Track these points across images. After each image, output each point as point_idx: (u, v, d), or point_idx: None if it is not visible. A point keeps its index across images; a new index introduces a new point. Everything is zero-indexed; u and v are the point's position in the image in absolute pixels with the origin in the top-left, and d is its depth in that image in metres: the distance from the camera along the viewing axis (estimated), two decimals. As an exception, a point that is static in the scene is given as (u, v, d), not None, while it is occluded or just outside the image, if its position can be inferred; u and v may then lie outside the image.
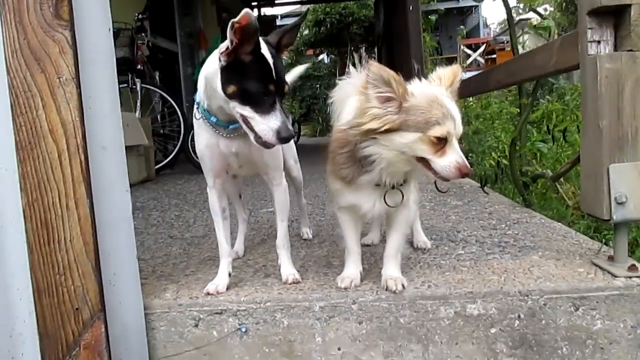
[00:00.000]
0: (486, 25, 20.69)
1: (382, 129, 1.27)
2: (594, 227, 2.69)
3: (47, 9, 1.28)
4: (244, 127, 1.38)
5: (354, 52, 14.74)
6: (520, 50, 3.02)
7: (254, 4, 11.29)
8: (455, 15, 18.17)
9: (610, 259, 1.56)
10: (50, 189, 1.31)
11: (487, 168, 3.49)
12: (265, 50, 1.35)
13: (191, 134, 4.42)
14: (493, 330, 1.41)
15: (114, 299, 1.39)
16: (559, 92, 5.96)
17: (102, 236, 1.37)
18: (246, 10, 1.23)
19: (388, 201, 1.44)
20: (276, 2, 12.05)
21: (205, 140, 1.54)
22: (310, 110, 14.44)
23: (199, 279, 1.63)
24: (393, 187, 1.43)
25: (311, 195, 3.21)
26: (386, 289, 1.44)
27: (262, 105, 1.34)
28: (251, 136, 1.38)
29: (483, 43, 15.26)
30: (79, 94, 1.31)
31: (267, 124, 1.34)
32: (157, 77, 5.35)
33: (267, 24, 10.45)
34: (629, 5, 1.44)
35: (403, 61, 6.14)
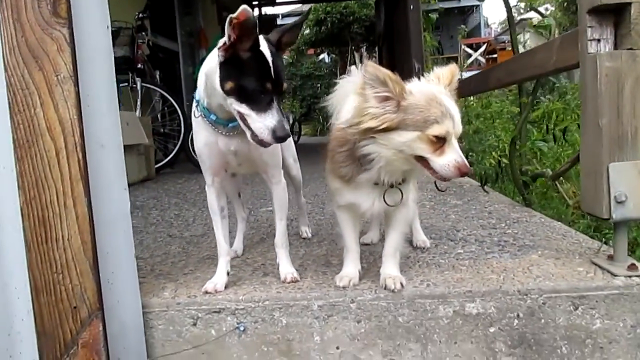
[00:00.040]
0: (487, 25, 20.68)
1: (381, 127, 1.26)
2: (594, 227, 2.69)
3: (45, 7, 1.27)
4: (241, 124, 1.38)
5: (355, 51, 14.76)
6: (521, 50, 3.01)
7: (255, 3, 11.28)
8: (456, 14, 18.15)
9: (610, 258, 1.56)
10: (48, 187, 1.30)
11: (488, 167, 3.48)
12: (264, 47, 1.35)
13: (191, 133, 4.42)
14: (492, 330, 1.41)
15: (112, 298, 1.39)
16: (560, 92, 5.95)
17: (100, 235, 1.36)
18: (244, 6, 1.23)
19: (387, 200, 1.44)
20: (277, 1, 12.04)
21: (204, 138, 1.54)
22: (310, 110, 14.44)
23: (198, 278, 1.63)
24: (392, 186, 1.43)
25: (311, 194, 3.21)
26: (385, 288, 1.44)
27: (259, 103, 1.33)
28: (248, 134, 1.37)
29: (484, 43, 15.22)
30: (77, 92, 1.30)
31: (264, 122, 1.33)
32: (157, 76, 5.35)
33: (267, 23, 10.45)
34: (629, 4, 1.43)
35: (404, 60, 6.14)
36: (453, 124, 1.27)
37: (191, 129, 1.63)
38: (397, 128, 1.26)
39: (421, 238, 1.90)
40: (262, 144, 1.36)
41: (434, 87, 1.33)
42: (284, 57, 1.57)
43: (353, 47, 14.73)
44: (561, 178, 2.62)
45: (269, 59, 1.34)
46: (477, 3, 18.52)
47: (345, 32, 14.80)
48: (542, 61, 2.01)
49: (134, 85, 4.76)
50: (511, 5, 2.89)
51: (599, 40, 1.50)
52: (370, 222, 1.99)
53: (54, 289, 1.33)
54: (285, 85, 1.38)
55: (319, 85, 15.26)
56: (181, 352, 1.44)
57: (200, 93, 1.50)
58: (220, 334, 1.44)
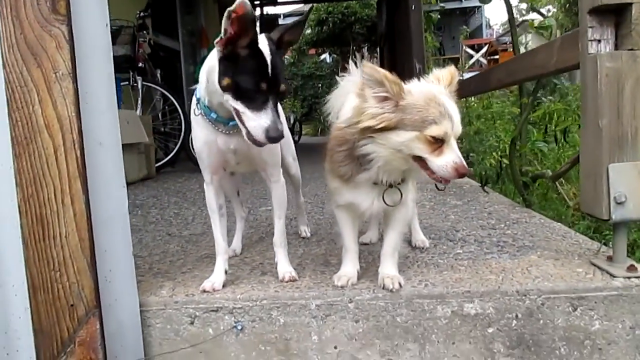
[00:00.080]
0: (489, 26, 20.64)
1: (379, 127, 1.26)
2: (594, 228, 2.68)
3: (44, 4, 1.27)
4: (238, 122, 1.37)
5: (356, 51, 14.74)
6: (523, 51, 3.00)
7: (257, 2, 11.29)
8: (458, 15, 18.13)
9: (609, 259, 1.55)
10: (45, 184, 1.30)
11: (489, 168, 3.48)
12: (264, 45, 1.34)
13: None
14: (490, 330, 1.40)
15: (109, 296, 1.39)
16: (561, 93, 5.93)
17: (98, 232, 1.36)
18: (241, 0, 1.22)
19: (386, 200, 1.44)
20: (278, 1, 12.04)
21: (203, 136, 1.53)
22: (311, 110, 14.44)
23: (196, 277, 1.63)
24: (391, 186, 1.43)
25: (311, 194, 3.21)
26: (383, 288, 1.44)
27: (254, 102, 1.32)
28: (243, 132, 1.36)
29: (486, 44, 15.21)
30: (76, 89, 1.30)
31: (258, 121, 1.32)
32: (158, 75, 5.35)
33: (269, 23, 10.45)
34: (630, 4, 1.43)
35: (405, 60, 6.13)
36: (452, 125, 1.26)
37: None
38: (396, 128, 1.26)
39: (420, 238, 1.90)
40: (256, 143, 1.35)
41: (434, 88, 1.33)
42: (286, 56, 1.55)
43: (354, 47, 14.71)
44: (562, 179, 2.62)
45: (268, 57, 1.33)
46: (479, 4, 18.51)
47: (346, 32, 14.80)
48: (543, 61, 2.00)
49: (135, 84, 4.76)
50: (512, 6, 2.88)
51: (599, 41, 1.50)
52: (369, 221, 1.98)
53: (51, 287, 1.32)
54: (283, 85, 1.36)
55: (320, 85, 15.26)
56: (178, 351, 1.44)
57: (201, 91, 1.49)
58: (218, 333, 1.43)
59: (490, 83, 3.05)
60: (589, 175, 1.55)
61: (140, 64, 4.83)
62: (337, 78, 1.76)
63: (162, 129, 5.28)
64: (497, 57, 12.94)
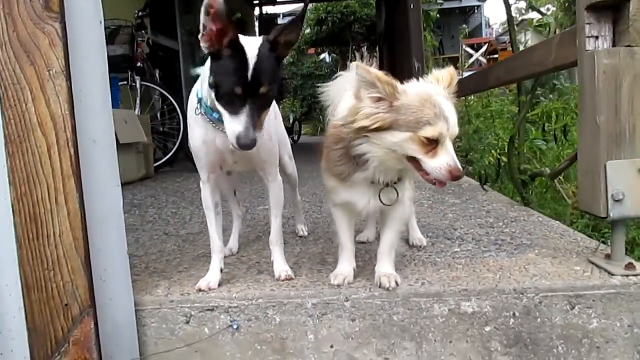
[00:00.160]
0: (488, 25, 20.61)
1: (373, 127, 1.26)
2: (592, 226, 2.68)
3: (36, 1, 1.26)
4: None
5: (356, 51, 14.74)
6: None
7: (256, 2, 11.28)
8: (457, 14, 18.12)
9: (608, 257, 1.54)
10: (39, 182, 1.29)
11: (488, 166, 3.47)
12: (252, 47, 1.29)
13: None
14: (487, 329, 1.39)
15: (104, 295, 1.38)
16: (560, 92, 5.93)
17: (92, 231, 1.35)
18: None
19: (383, 199, 1.43)
20: (278, 0, 12.03)
21: (202, 135, 1.51)
22: (311, 109, 14.42)
23: (192, 276, 1.62)
24: (387, 185, 1.42)
25: (309, 193, 3.20)
26: (379, 286, 1.43)
27: (231, 105, 1.29)
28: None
29: (485, 43, 15.20)
30: (69, 87, 1.29)
31: (231, 126, 1.29)
32: (157, 75, 5.34)
33: (268, 22, 10.45)
34: (628, 0, 1.42)
35: (404, 60, 6.13)
36: (447, 126, 1.25)
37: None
38: (390, 128, 1.25)
39: (417, 236, 1.89)
40: (235, 146, 1.30)
41: (431, 88, 1.32)
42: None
43: (354, 47, 14.71)
44: (561, 178, 2.60)
45: (251, 59, 1.28)
46: (479, 3, 18.50)
47: (346, 32, 14.78)
48: (541, 59, 2.00)
49: (133, 84, 4.75)
50: (511, 5, 2.88)
51: (597, 37, 1.49)
52: (367, 220, 1.97)
53: (45, 286, 1.31)
54: (264, 88, 1.29)
55: (319, 84, 15.18)
56: (174, 350, 1.43)
57: (203, 92, 1.47)
58: (214, 332, 1.42)
59: (488, 81, 3.04)
60: (587, 173, 1.54)
61: (138, 64, 4.82)
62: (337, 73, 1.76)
63: (161, 129, 5.26)
64: (496, 56, 12.93)
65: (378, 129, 1.26)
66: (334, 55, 16.57)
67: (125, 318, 1.41)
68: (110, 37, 4.56)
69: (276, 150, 1.65)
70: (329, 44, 15.92)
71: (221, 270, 1.55)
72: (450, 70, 1.40)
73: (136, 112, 4.67)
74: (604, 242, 1.75)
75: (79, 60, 1.32)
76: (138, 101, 4.76)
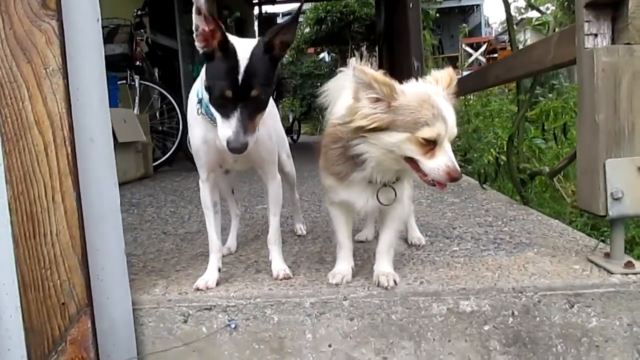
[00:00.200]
0: (488, 25, 20.61)
1: (371, 127, 1.25)
2: (591, 225, 2.67)
3: (33, -2, 1.26)
4: None
5: (355, 50, 14.74)
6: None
7: (255, 1, 11.27)
8: (457, 14, 18.12)
9: (607, 255, 1.54)
10: (36, 181, 1.29)
11: (487, 165, 3.46)
12: (245, 49, 1.28)
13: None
14: (486, 327, 1.39)
15: (101, 294, 1.37)
16: (559, 91, 5.92)
17: (89, 230, 1.35)
18: None
19: (381, 199, 1.42)
20: (277, 0, 12.03)
21: (202, 135, 1.50)
22: (310, 109, 14.41)
23: (190, 275, 1.61)
24: (385, 185, 1.41)
25: (308, 192, 3.19)
26: (378, 285, 1.42)
27: (222, 107, 1.28)
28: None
29: (484, 42, 15.19)
30: (66, 85, 1.29)
31: (222, 129, 1.28)
32: (156, 74, 5.33)
33: (267, 21, 10.44)
34: (627, -2, 1.42)
35: (403, 59, 6.12)
36: (445, 127, 1.24)
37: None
38: (388, 128, 1.25)
39: (416, 235, 1.88)
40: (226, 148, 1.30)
41: (430, 89, 1.31)
42: (285, 56, 1.48)
43: (353, 46, 14.71)
44: (560, 176, 2.60)
45: (242, 62, 1.26)
46: (478, 2, 18.50)
47: (345, 31, 14.78)
48: (540, 57, 1.99)
49: (132, 83, 4.74)
50: (511, 4, 2.87)
51: (596, 35, 1.49)
52: (365, 219, 1.97)
53: (42, 285, 1.31)
54: (255, 91, 1.28)
55: (319, 84, 15.20)
56: (172, 350, 1.43)
57: (204, 93, 1.46)
58: (211, 331, 1.42)
59: (488, 80, 3.04)
60: (586, 171, 1.53)
61: (137, 63, 4.81)
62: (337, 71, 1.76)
63: (160, 128, 5.26)
64: (496, 55, 12.90)
65: (376, 129, 1.26)
66: (334, 54, 16.57)
67: (122, 317, 1.40)
68: (109, 36, 4.55)
69: (275, 149, 1.65)
70: (329, 43, 15.92)
71: (219, 270, 1.54)
72: (449, 71, 1.39)
73: (135, 111, 4.66)
74: (603, 241, 1.74)
75: (76, 58, 1.31)
76: (137, 100, 4.75)
